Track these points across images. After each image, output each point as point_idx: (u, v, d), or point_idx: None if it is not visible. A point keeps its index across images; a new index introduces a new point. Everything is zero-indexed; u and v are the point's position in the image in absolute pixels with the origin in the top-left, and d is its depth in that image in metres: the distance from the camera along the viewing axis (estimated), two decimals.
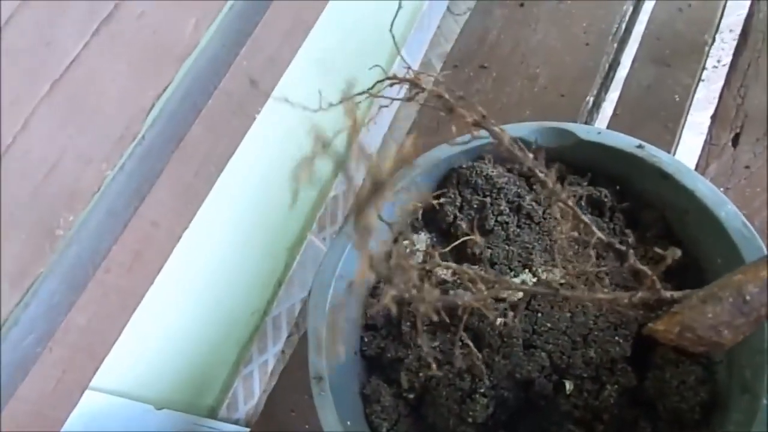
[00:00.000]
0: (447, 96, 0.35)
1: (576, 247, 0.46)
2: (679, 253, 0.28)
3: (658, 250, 0.30)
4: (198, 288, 0.68)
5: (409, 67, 0.37)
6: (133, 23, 0.45)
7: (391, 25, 0.38)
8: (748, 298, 0.28)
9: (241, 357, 0.76)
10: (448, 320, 0.44)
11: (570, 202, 0.35)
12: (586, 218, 0.35)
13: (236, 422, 0.75)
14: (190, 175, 0.52)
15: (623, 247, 0.33)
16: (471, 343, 0.39)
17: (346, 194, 0.87)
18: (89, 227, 0.48)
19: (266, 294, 0.78)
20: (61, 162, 0.43)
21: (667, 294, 0.32)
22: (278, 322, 0.80)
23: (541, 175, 0.35)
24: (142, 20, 0.46)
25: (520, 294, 0.47)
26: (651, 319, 0.33)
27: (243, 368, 0.76)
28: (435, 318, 0.39)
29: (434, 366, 0.37)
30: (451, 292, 0.45)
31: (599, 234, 0.35)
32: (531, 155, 0.36)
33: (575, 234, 0.36)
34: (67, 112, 0.43)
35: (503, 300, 0.45)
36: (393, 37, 0.40)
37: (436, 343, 0.47)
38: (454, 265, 0.46)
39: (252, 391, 0.77)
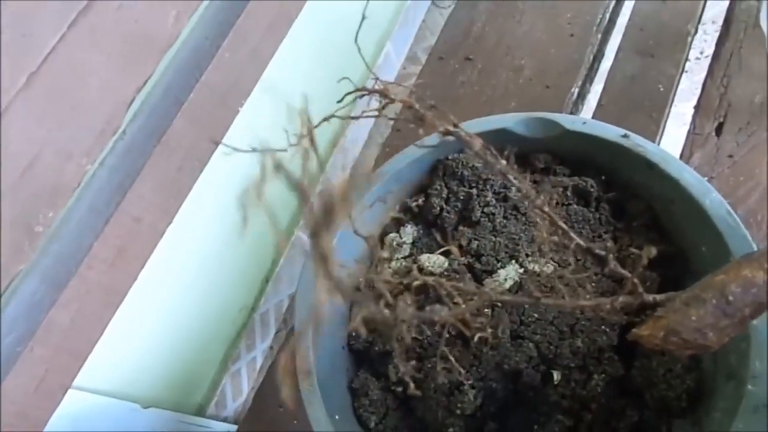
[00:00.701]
0: (417, 106, 0.35)
1: (557, 249, 0.46)
2: (654, 251, 0.29)
3: (634, 251, 0.29)
4: (184, 285, 0.67)
5: (377, 79, 0.37)
6: (112, 14, 0.44)
7: (356, 37, 0.37)
8: (731, 298, 0.28)
9: (228, 354, 0.75)
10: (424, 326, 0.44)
11: (546, 208, 0.35)
12: (563, 224, 0.35)
13: (225, 420, 0.74)
14: (173, 170, 0.51)
15: (603, 252, 0.33)
16: (453, 360, 0.39)
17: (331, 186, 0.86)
18: (70, 223, 0.47)
19: (253, 290, 0.78)
20: (40, 157, 0.42)
21: (650, 297, 0.32)
22: (266, 319, 0.79)
23: (514, 181, 0.35)
24: (122, 11, 0.45)
25: (507, 285, 0.47)
26: (635, 322, 0.33)
27: (231, 365, 0.75)
28: (409, 338, 0.39)
29: (412, 386, 0.36)
30: (427, 308, 0.45)
31: (577, 240, 0.35)
32: (503, 161, 0.36)
33: (554, 239, 0.36)
34: (45, 106, 0.42)
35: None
36: (359, 49, 0.40)
37: (422, 337, 0.46)
38: (430, 278, 0.46)
39: (240, 389, 0.76)
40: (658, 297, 0.31)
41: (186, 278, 0.67)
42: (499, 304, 0.44)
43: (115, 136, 0.47)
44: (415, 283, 0.32)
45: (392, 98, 0.33)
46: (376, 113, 0.33)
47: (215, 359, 0.74)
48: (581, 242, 0.33)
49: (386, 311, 0.24)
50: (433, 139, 0.50)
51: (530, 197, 0.32)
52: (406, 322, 0.25)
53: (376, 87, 0.34)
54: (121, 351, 0.60)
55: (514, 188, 0.51)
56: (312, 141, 0.19)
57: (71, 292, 0.46)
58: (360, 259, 0.52)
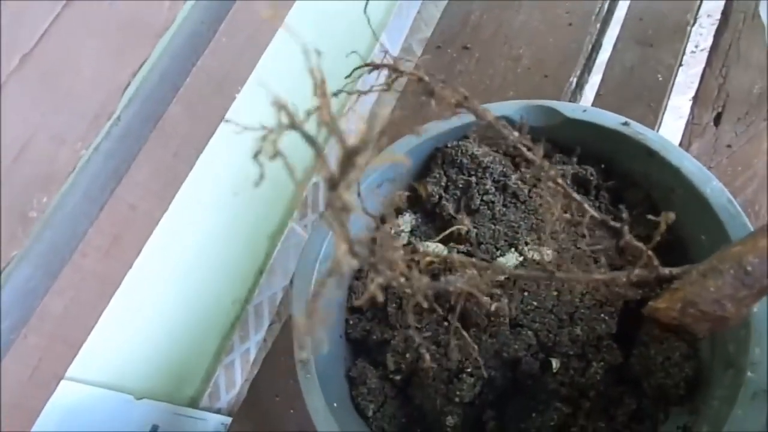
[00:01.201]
0: (427, 79, 0.35)
1: (565, 225, 0.45)
2: (673, 216, 0.28)
3: (651, 218, 0.29)
4: (178, 277, 0.66)
5: (386, 52, 0.36)
6: None
7: (365, 7, 0.37)
8: (749, 269, 0.27)
9: (222, 346, 0.75)
10: (435, 304, 0.44)
11: (560, 180, 0.35)
12: (576, 195, 0.35)
13: (218, 411, 0.74)
14: (169, 157, 0.51)
15: (617, 224, 0.33)
16: (463, 332, 0.39)
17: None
18: (65, 210, 0.47)
19: (247, 282, 0.77)
20: (33, 141, 0.41)
21: (666, 271, 0.31)
22: (260, 311, 0.79)
23: (527, 152, 0.35)
24: None
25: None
26: (647, 298, 0.33)
27: (224, 357, 0.75)
28: (425, 305, 0.38)
29: (427, 357, 0.36)
30: (442, 278, 0.45)
31: (592, 211, 0.34)
32: (516, 133, 0.35)
33: (565, 213, 0.36)
34: (38, 89, 0.41)
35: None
36: (368, 20, 0.40)
37: (422, 325, 0.46)
38: (445, 251, 0.46)
39: (234, 381, 0.76)
40: (674, 270, 0.31)
41: (180, 271, 0.66)
42: (498, 291, 0.44)
43: (110, 122, 0.47)
44: (426, 259, 0.31)
45: (402, 70, 0.32)
46: (385, 87, 0.33)
47: (209, 351, 0.74)
48: (596, 214, 0.33)
49: (402, 280, 0.24)
50: (435, 126, 0.50)
51: (544, 168, 0.32)
52: (422, 290, 0.25)
53: (385, 61, 0.33)
54: (114, 342, 0.60)
55: (515, 174, 0.50)
56: (324, 95, 0.18)
57: (65, 280, 0.46)
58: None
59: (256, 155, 0.17)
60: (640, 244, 0.31)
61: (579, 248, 0.39)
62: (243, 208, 0.73)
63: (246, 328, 0.77)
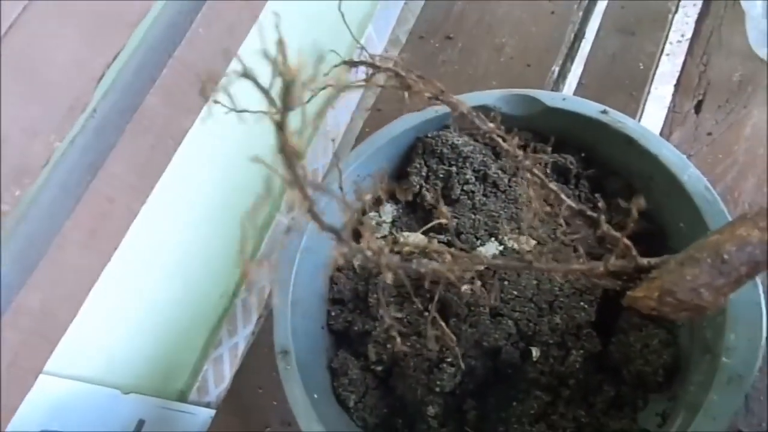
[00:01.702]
0: (403, 74, 0.34)
1: (544, 216, 0.45)
2: (643, 202, 0.28)
3: (622, 203, 0.29)
4: (166, 271, 0.66)
5: (362, 48, 0.36)
6: None
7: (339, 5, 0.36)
8: (726, 257, 0.27)
9: (210, 340, 0.75)
10: (412, 291, 0.44)
11: (536, 170, 0.35)
12: (553, 185, 0.34)
13: (207, 405, 0.74)
14: (147, 148, 0.50)
15: (594, 214, 0.33)
16: (440, 319, 0.39)
17: (314, 173, 0.85)
18: (40, 204, 0.46)
19: (235, 276, 0.77)
20: (4, 133, 0.41)
21: (644, 261, 0.31)
22: (248, 305, 0.78)
23: (503, 142, 0.34)
24: None
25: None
26: (626, 289, 0.33)
27: (213, 351, 0.74)
28: (392, 285, 0.38)
29: (398, 341, 0.36)
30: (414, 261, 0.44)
31: (569, 201, 0.34)
32: (491, 123, 0.35)
33: (543, 202, 0.36)
34: (9, 80, 0.40)
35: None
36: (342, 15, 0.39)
37: (402, 315, 0.46)
38: (425, 241, 0.46)
39: (222, 375, 0.76)
40: (652, 260, 0.31)
41: (167, 265, 0.66)
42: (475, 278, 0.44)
43: (85, 113, 0.46)
44: (406, 249, 0.31)
45: (379, 66, 0.32)
46: (363, 83, 0.32)
47: (197, 345, 0.74)
48: (572, 204, 0.32)
49: (369, 254, 0.24)
50: (416, 116, 0.50)
51: (518, 157, 0.32)
52: (392, 268, 0.25)
53: (362, 59, 0.33)
54: (101, 337, 0.59)
55: (496, 163, 0.50)
56: (283, 53, 0.18)
57: (42, 274, 0.45)
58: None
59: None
60: (617, 234, 0.31)
61: (557, 238, 0.39)
62: (230, 201, 0.72)
63: (234, 322, 0.77)
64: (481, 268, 0.43)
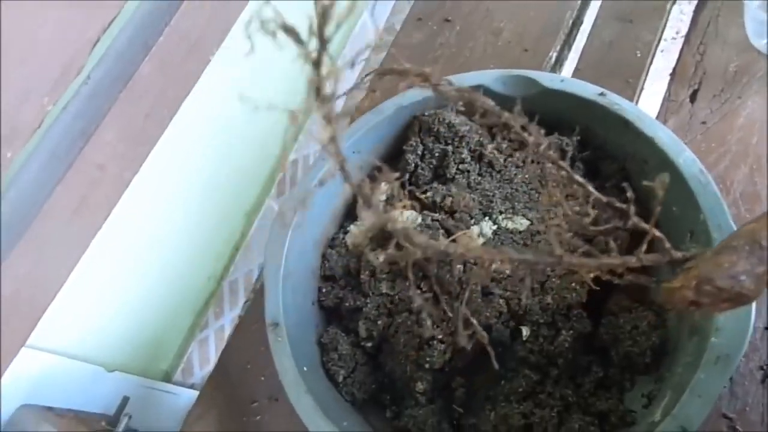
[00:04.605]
0: (395, 66, 0.34)
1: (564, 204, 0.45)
2: (668, 179, 0.28)
3: (646, 184, 0.28)
4: (154, 250, 0.65)
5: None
6: None
7: None
8: (764, 243, 0.27)
9: (196, 322, 0.74)
10: (410, 272, 0.44)
11: (562, 163, 0.34)
12: (578, 177, 0.34)
13: (191, 387, 0.73)
14: (140, 117, 0.50)
15: (624, 206, 0.32)
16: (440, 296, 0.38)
17: (305, 159, 0.85)
18: (30, 169, 0.45)
19: (223, 259, 0.76)
20: None
21: (679, 254, 0.31)
22: (235, 288, 0.78)
23: (524, 134, 0.33)
24: None
25: (480, 242, 0.46)
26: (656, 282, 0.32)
27: (199, 333, 0.74)
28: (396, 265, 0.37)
29: (419, 300, 0.35)
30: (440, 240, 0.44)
31: (596, 194, 0.34)
32: (506, 113, 0.34)
33: (563, 191, 0.35)
34: (2, 40, 0.39)
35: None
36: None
37: (394, 292, 0.46)
38: (419, 219, 0.45)
39: (208, 357, 0.75)
40: (686, 254, 0.30)
41: (155, 245, 0.65)
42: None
43: (79, 78, 0.45)
44: (398, 226, 0.30)
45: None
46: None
47: (183, 326, 0.73)
48: (601, 196, 0.32)
49: (395, 226, 0.23)
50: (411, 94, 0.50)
51: (542, 152, 0.31)
52: (418, 246, 0.24)
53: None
54: (87, 313, 0.59)
55: (491, 143, 0.50)
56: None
57: (29, 242, 0.45)
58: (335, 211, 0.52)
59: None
60: (648, 226, 0.31)
61: (598, 228, 0.37)
62: (220, 182, 0.72)
63: (221, 305, 0.77)
64: (474, 237, 0.44)
